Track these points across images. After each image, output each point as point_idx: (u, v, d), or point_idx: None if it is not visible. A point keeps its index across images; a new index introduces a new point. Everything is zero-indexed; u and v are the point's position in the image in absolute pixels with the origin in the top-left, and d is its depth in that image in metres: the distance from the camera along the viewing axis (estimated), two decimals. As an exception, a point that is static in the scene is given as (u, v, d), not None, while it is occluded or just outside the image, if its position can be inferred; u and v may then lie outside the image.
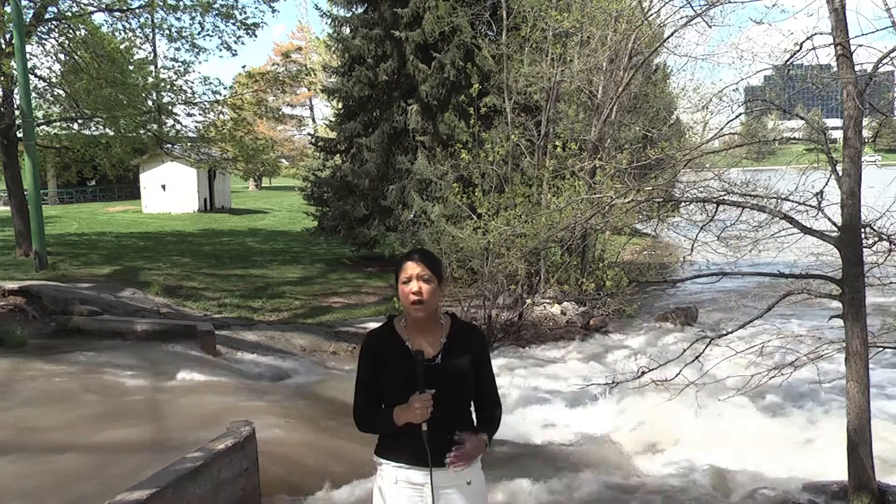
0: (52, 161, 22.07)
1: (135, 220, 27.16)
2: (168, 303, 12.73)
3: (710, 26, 8.51)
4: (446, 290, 11.70)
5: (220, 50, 17.58)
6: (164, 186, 30.67)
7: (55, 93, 17.32)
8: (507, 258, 9.89)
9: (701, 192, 6.05)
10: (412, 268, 2.72)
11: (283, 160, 46.24)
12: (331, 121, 20.57)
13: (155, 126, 18.42)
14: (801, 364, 5.81)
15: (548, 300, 13.34)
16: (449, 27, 14.84)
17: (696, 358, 5.90)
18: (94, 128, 18.48)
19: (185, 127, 19.29)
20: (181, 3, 16.17)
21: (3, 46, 15.07)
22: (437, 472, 2.68)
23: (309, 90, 41.94)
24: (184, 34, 16.77)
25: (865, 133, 5.82)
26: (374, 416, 2.77)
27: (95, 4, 16.55)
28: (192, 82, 17.68)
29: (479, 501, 2.82)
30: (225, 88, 18.33)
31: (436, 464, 2.66)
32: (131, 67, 17.35)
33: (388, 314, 2.89)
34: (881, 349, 5.89)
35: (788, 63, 5.80)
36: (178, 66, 17.42)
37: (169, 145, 21.74)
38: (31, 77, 15.19)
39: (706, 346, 5.87)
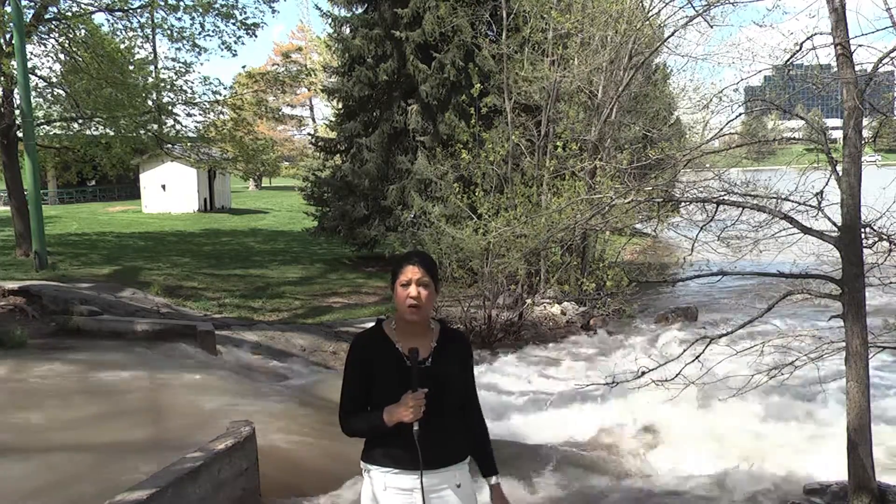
0: (52, 161, 22.08)
1: (135, 220, 27.15)
2: (168, 303, 12.72)
3: (710, 26, 8.56)
4: (445, 290, 11.85)
5: (221, 50, 17.60)
6: (164, 186, 30.67)
7: (55, 93, 17.32)
8: (507, 258, 9.88)
9: (701, 192, 6.05)
10: (412, 272, 2.71)
11: (284, 160, 46.22)
12: (331, 121, 20.58)
13: (155, 126, 18.42)
14: (801, 364, 5.81)
15: (548, 300, 13.34)
16: (449, 27, 14.84)
17: (696, 358, 5.89)
18: (94, 128, 18.47)
19: (185, 127, 19.32)
20: (181, 3, 16.19)
21: (3, 46, 15.07)
22: (427, 474, 2.66)
23: (309, 90, 41.94)
24: (184, 34, 16.80)
25: (865, 133, 5.82)
26: (361, 418, 2.74)
27: (95, 4, 16.55)
28: (192, 82, 17.76)
29: (469, 503, 2.82)
30: (225, 88, 18.39)
31: (426, 465, 2.65)
32: (131, 67, 17.35)
33: (377, 317, 2.90)
34: (881, 349, 5.88)
35: (788, 63, 5.80)
36: (179, 67, 17.46)
37: (169, 145, 21.74)
38: (31, 77, 15.19)
39: (706, 346, 5.86)
